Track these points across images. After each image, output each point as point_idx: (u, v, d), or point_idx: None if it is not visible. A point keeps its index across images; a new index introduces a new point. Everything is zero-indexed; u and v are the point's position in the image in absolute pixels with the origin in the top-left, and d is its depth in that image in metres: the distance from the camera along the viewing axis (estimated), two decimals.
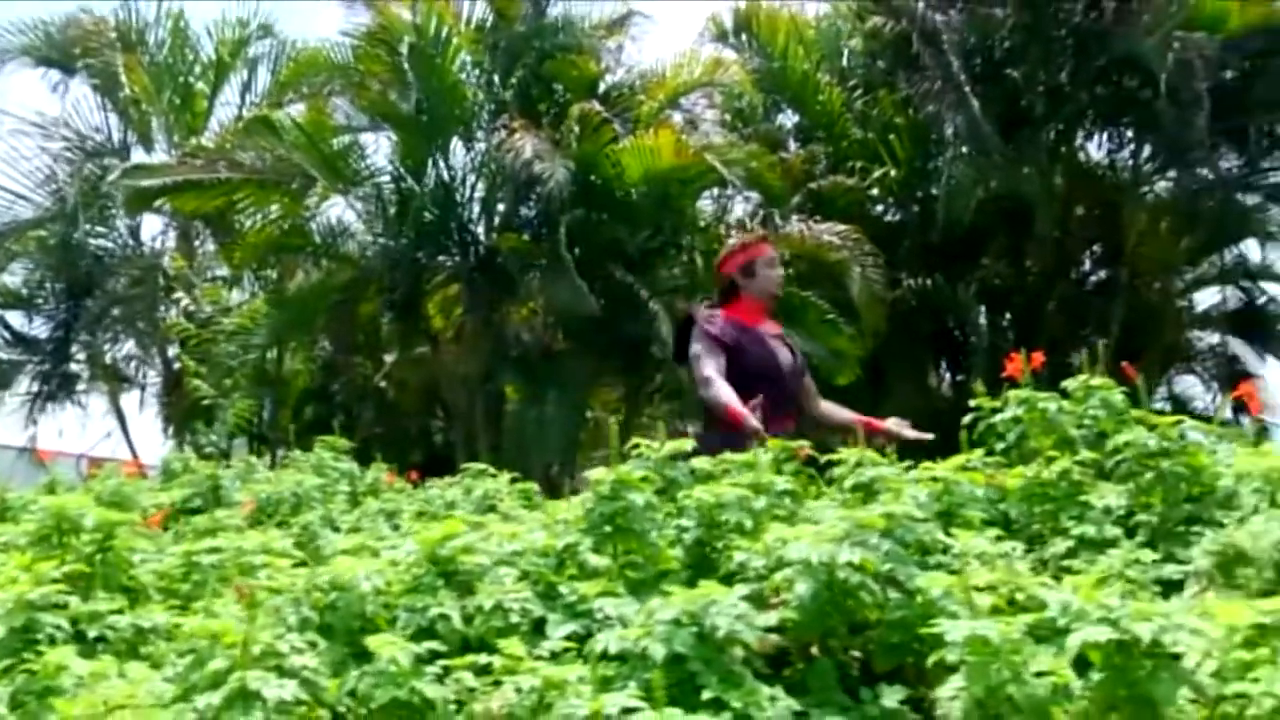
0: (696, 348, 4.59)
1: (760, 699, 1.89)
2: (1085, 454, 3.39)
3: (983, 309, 13.95)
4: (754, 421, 4.05)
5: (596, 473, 2.64)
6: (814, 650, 2.20)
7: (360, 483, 5.99)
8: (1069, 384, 3.86)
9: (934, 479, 3.03)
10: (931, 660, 1.84)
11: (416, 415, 15.38)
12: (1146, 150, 13.64)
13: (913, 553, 2.76)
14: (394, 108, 11.96)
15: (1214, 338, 16.14)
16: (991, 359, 12.50)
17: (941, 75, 11.43)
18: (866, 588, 2.08)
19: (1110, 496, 3.11)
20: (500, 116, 11.79)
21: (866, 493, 2.95)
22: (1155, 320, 14.13)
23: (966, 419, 4.02)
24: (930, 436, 4.68)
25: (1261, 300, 15.54)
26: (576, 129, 10.58)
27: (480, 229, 12.64)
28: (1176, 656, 2.05)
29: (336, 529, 4.78)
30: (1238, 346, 15.82)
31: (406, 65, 11.64)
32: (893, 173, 12.13)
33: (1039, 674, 1.87)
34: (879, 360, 12.00)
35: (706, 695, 1.90)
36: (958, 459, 3.10)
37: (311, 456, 6.27)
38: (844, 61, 13.23)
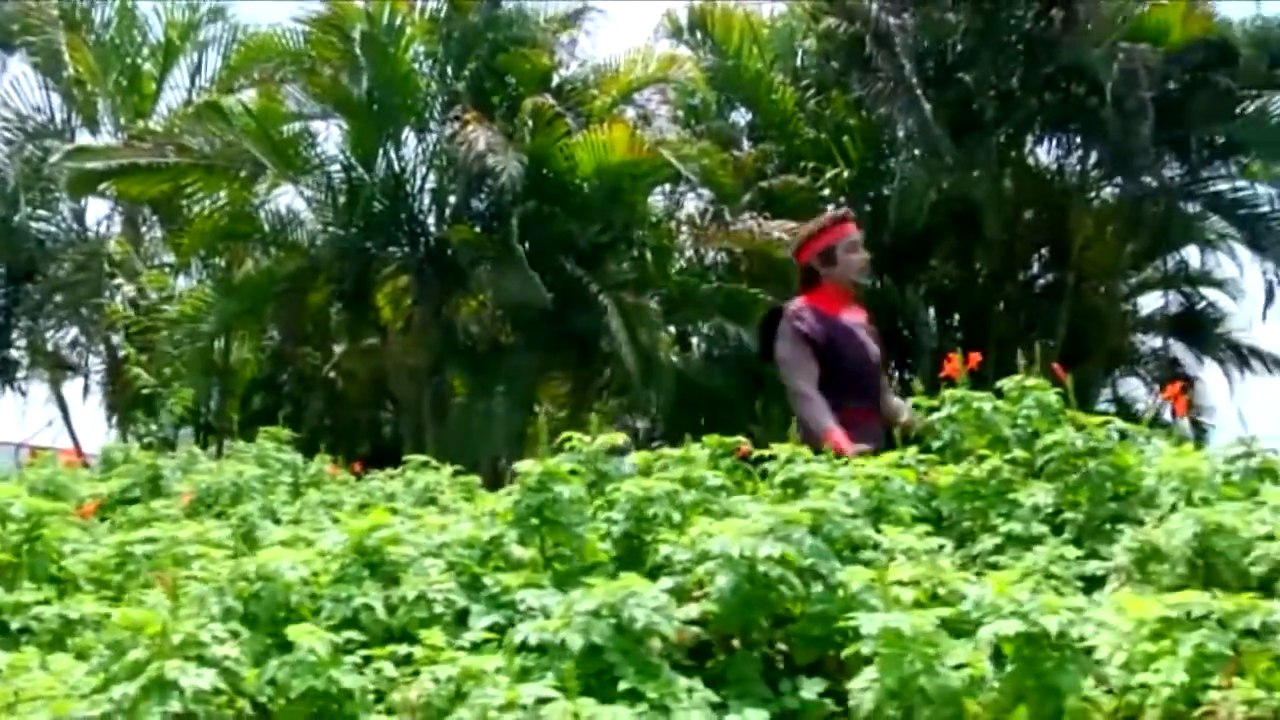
0: (785, 351, 4.23)
1: (677, 690, 1.90)
2: (1017, 453, 3.44)
3: (931, 310, 14.15)
4: (852, 451, 3.73)
5: (524, 465, 2.63)
6: (736, 643, 2.21)
7: (303, 474, 5.94)
8: (1004, 384, 3.92)
9: (867, 476, 3.05)
10: (846, 653, 1.86)
11: (365, 406, 15.28)
12: (1093, 157, 13.88)
13: (841, 548, 2.80)
14: (345, 96, 11.85)
15: (1156, 341, 16.50)
16: (939, 359, 12.60)
17: (894, 77, 11.54)
18: (787, 581, 2.09)
19: (1039, 495, 3.15)
20: (453, 108, 11.73)
21: (797, 488, 2.96)
22: (1100, 323, 14.40)
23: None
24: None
25: (1201, 305, 15.91)
26: (530, 122, 10.56)
27: (431, 220, 12.58)
28: (1089, 650, 2.09)
29: (277, 520, 4.73)
30: (1179, 350, 16.17)
31: (359, 53, 11.55)
32: (845, 173, 12.23)
33: (957, 666, 1.90)
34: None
35: (623, 686, 1.91)
36: (890, 456, 3.13)
37: (253, 447, 6.22)
38: (798, 61, 13.32)
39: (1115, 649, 2.07)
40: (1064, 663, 1.72)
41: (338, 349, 14.56)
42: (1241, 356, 15.87)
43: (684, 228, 11.67)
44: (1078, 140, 13.74)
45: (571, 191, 10.77)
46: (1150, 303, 16.38)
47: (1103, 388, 15.98)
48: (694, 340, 13.58)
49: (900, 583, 2.35)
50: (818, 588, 2.17)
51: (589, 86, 11.95)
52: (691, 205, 13.08)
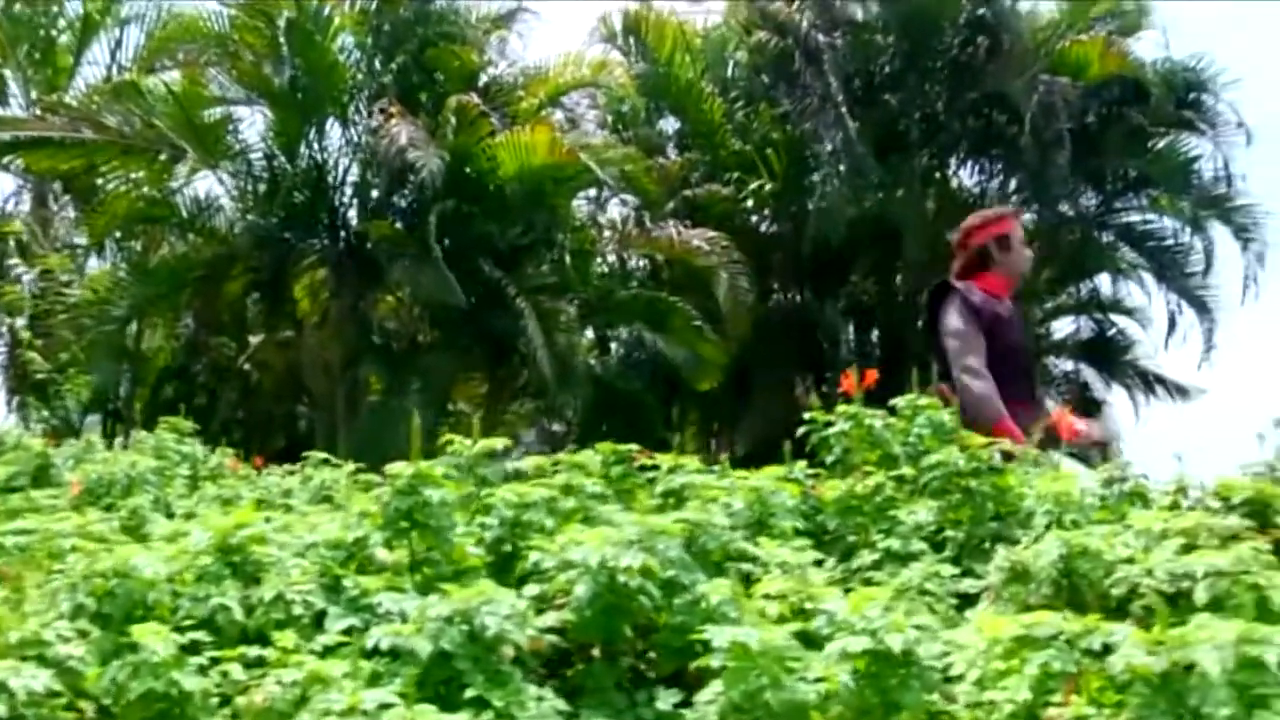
0: (957, 323, 4.03)
1: (524, 699, 1.87)
2: (903, 470, 3.47)
3: (851, 326, 14.33)
4: (1026, 443, 3.50)
5: (395, 467, 2.58)
6: (596, 652, 2.18)
7: (203, 467, 5.78)
8: (897, 402, 3.95)
9: (750, 489, 3.05)
10: (694, 665, 1.85)
11: (280, 400, 14.99)
12: (1013, 183, 14.18)
13: (718, 559, 2.79)
14: (269, 83, 11.62)
15: (1068, 365, 16.92)
16: (858, 375, 12.75)
17: (821, 94, 11.68)
18: (647, 592, 2.07)
19: (920, 513, 3.17)
20: (379, 101, 11.57)
21: (677, 499, 2.95)
22: None
23: (800, 431, 4.10)
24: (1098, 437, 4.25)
25: (1111, 332, 16.36)
26: (453, 120, 10.43)
27: (353, 214, 12.40)
28: (945, 668, 2.10)
29: (170, 515, 4.59)
30: (1089, 374, 16.62)
31: (284, 40, 11.33)
32: (768, 186, 12.32)
33: (817, 679, 1.90)
34: (746, 369, 12.18)
35: (470, 694, 1.87)
36: (775, 469, 3.13)
37: (151, 437, 6.04)
38: (728, 73, 13.41)
39: (970, 666, 2.09)
40: (908, 680, 1.72)
41: (254, 340, 14.26)
42: (1147, 383, 16.38)
43: (606, 233, 11.64)
44: (999, 166, 14.05)
45: (493, 192, 10.68)
46: (1063, 327, 16.82)
47: None
48: (613, 345, 13.58)
49: (768, 596, 2.34)
50: (681, 599, 2.15)
51: (517, 87, 11.89)
52: (616, 211, 13.11)
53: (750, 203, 12.55)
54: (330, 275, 12.29)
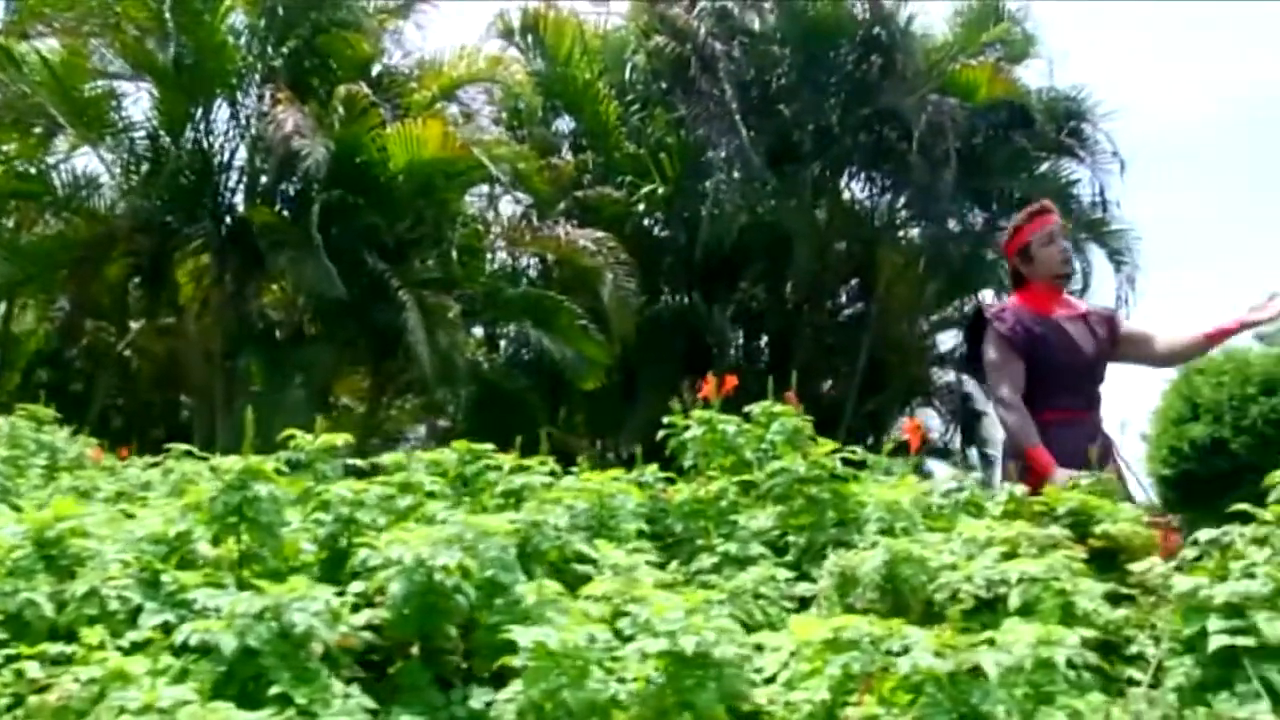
0: (990, 355, 4.11)
1: (329, 696, 1.86)
2: (750, 475, 3.55)
3: (741, 332, 14.51)
4: (1059, 476, 3.57)
5: (227, 461, 2.53)
6: (414, 650, 2.18)
7: (63, 457, 5.57)
8: (752, 409, 4.03)
9: (593, 491, 3.08)
10: (497, 664, 1.86)
11: (161, 388, 14.55)
12: (902, 199, 14.54)
13: (552, 560, 2.82)
14: (152, 59, 11.22)
15: (950, 376, 17.38)
16: (744, 379, 12.99)
17: (715, 101, 11.78)
18: (463, 591, 2.08)
19: (761, 518, 3.24)
20: (269, 84, 11.30)
21: (517, 499, 2.96)
22: (900, 355, 15.09)
23: (660, 435, 4.16)
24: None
25: None
26: (341, 109, 10.24)
27: (240, 199, 12.08)
28: (758, 670, 2.16)
29: (17, 507, 4.42)
30: (970, 386, 17.09)
31: (169, 15, 10.97)
32: (660, 189, 12.38)
33: (633, 680, 1.93)
34: (634, 370, 12.25)
35: (274, 690, 1.86)
36: (616, 472, 3.16)
37: (4, 424, 5.80)
38: (626, 75, 13.45)
39: (781, 668, 2.15)
40: (704, 681, 1.77)
41: (135, 326, 13.80)
42: None
43: (494, 230, 11.57)
44: (889, 181, 14.36)
45: (382, 184, 10.51)
46: (948, 340, 17.28)
47: (900, 416, 16.78)
48: (502, 343, 13.52)
49: (591, 597, 2.37)
50: (501, 599, 2.16)
51: (411, 79, 11.70)
52: (509, 208, 13.05)
53: (642, 206, 12.60)
54: (213, 261, 11.97)
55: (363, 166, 10.40)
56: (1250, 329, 4.20)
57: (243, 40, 11.84)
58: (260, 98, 11.46)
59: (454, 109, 12.12)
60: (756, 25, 12.59)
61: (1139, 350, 4.33)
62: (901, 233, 15.07)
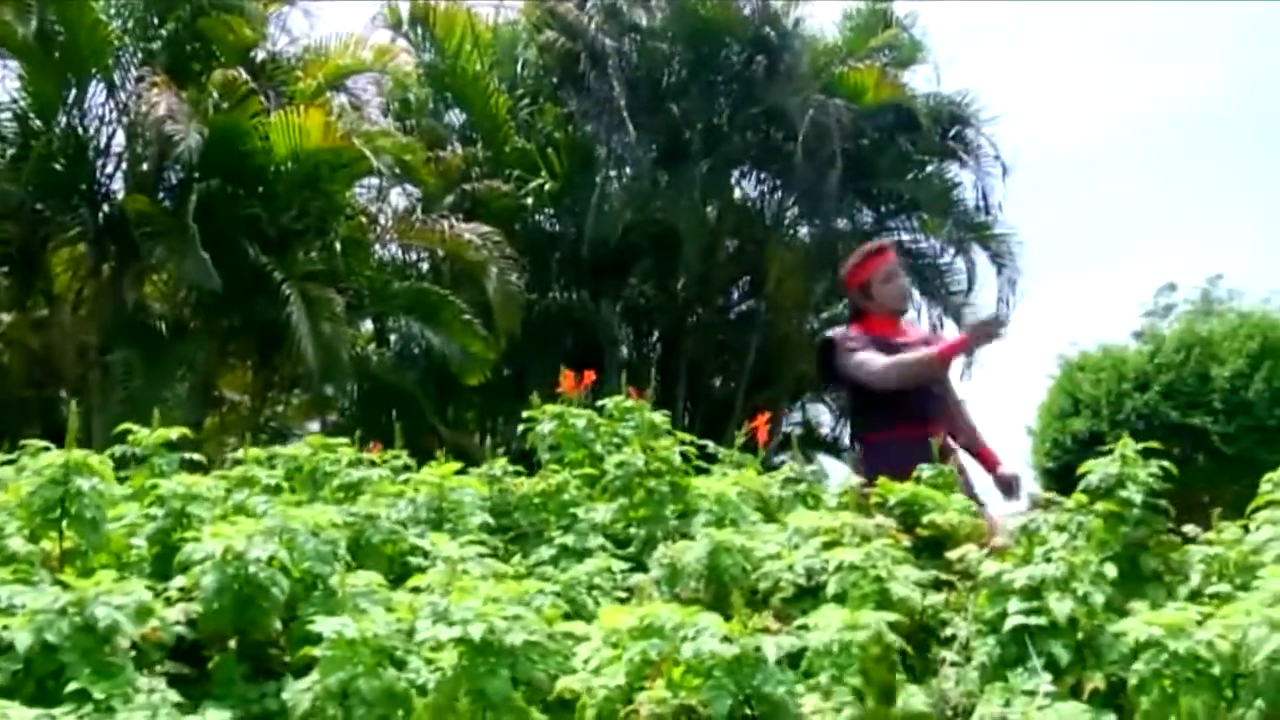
0: (852, 358, 4.29)
1: (129, 691, 1.88)
2: (588, 470, 3.64)
3: (630, 328, 14.62)
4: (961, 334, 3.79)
5: (50, 456, 2.52)
6: (232, 643, 2.21)
7: None
8: (606, 403, 4.12)
9: (432, 484, 3.12)
10: (299, 654, 1.91)
11: (35, 383, 14.04)
12: (791, 199, 14.78)
13: (391, 554, 2.86)
14: (14, 35, 10.73)
15: None
16: (633, 376, 13.14)
17: (604, 97, 11.83)
18: (279, 584, 2.11)
19: (602, 510, 3.33)
20: (147, 67, 10.98)
21: (355, 493, 3.00)
22: (789, 352, 15.35)
23: (520, 429, 4.23)
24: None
25: None
26: (216, 94, 9.98)
27: (118, 186, 11.72)
28: (566, 656, 2.24)
29: None
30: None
31: None
32: (548, 184, 12.40)
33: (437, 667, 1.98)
34: (522, 366, 12.26)
35: (73, 686, 1.87)
36: (449, 467, 3.21)
37: None
38: (517, 69, 13.43)
39: (592, 655, 2.24)
40: (496, 669, 1.83)
41: (6, 317, 13.28)
42: None
43: (379, 223, 11.44)
44: (778, 181, 14.59)
45: (264, 174, 10.31)
46: None
47: (790, 411, 17.10)
48: (391, 338, 13.40)
49: (416, 589, 2.43)
50: (319, 591, 2.20)
51: (296, 67, 11.46)
52: (400, 202, 12.93)
53: (530, 200, 12.60)
54: (90, 251, 11.60)
55: (244, 155, 10.17)
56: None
57: (119, 20, 11.46)
58: (140, 80, 11.11)
59: (343, 99, 11.93)
60: (645, 22, 12.69)
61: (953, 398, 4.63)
62: (792, 231, 15.30)
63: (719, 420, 13.32)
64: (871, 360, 4.25)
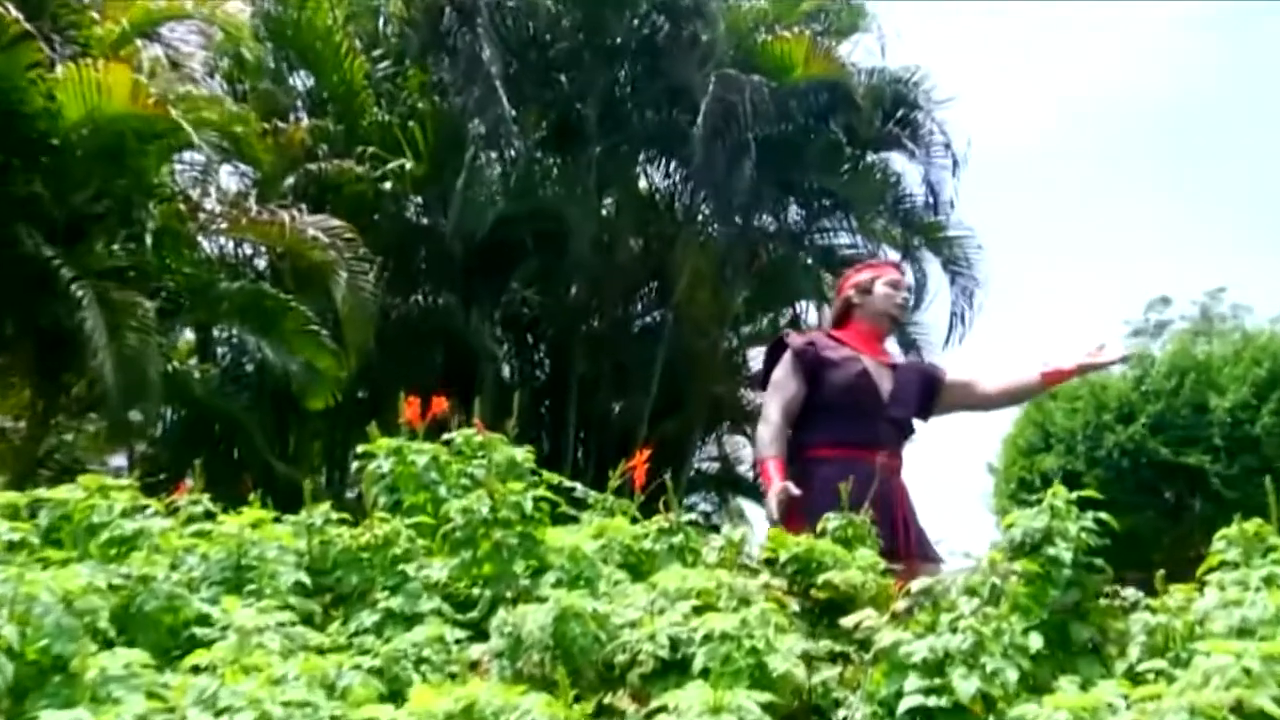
0: (776, 374, 4.75)
1: None
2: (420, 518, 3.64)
3: (512, 342, 14.54)
4: (773, 498, 4.22)
5: None
6: None
7: None
8: (454, 436, 4.12)
9: (230, 536, 3.09)
10: None
11: None
12: (703, 194, 14.71)
13: (170, 623, 2.82)
14: None
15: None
16: (508, 397, 12.86)
17: (473, 61, 11.68)
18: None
19: (435, 567, 3.33)
20: None
21: (130, 548, 2.96)
22: (702, 372, 15.39)
23: (354, 467, 4.21)
24: (1129, 355, 4.64)
25: None
26: None
27: None
28: None
29: None
30: None
31: None
32: (410, 165, 12.24)
33: None
34: (378, 387, 12.12)
35: None
36: (254, 514, 3.19)
37: None
38: (379, 25, 13.27)
39: None
40: None
41: None
42: None
43: (204, 210, 11.17)
44: (687, 170, 14.50)
45: (48, 143, 9.92)
46: (759, 356, 17.75)
47: (703, 442, 17.13)
48: (219, 351, 13.13)
49: (196, 669, 2.40)
50: (60, 675, 2.17)
51: (91, 6, 10.89)
52: (232, 184, 12.68)
53: (389, 184, 12.42)
54: None
55: (18, 117, 9.71)
56: (1086, 374, 4.95)
57: None
58: None
59: (158, 52, 11.62)
60: None
61: (966, 395, 5.01)
62: (707, 231, 15.19)
63: (618, 453, 13.18)
64: (767, 419, 4.69)
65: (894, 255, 16.20)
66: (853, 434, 4.60)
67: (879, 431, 4.65)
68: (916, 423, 4.99)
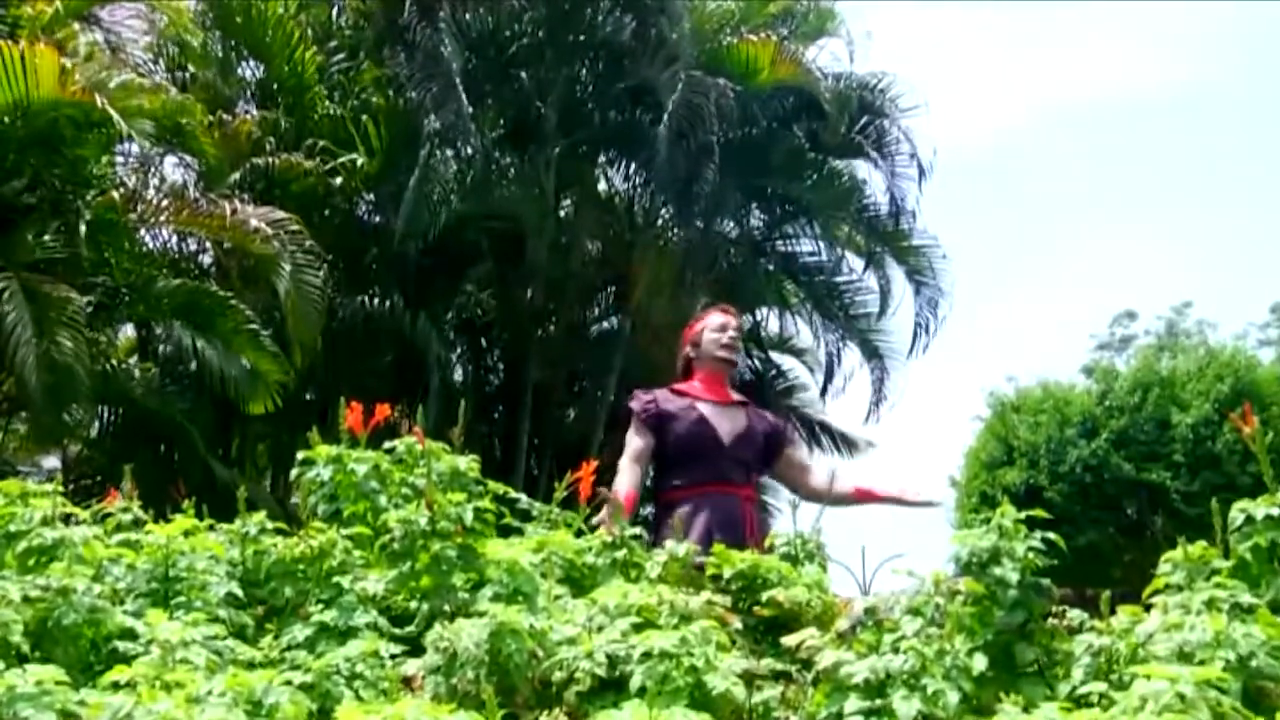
0: (628, 434, 5.24)
1: None
2: (357, 529, 3.65)
3: (466, 346, 14.51)
4: (602, 512, 4.42)
5: None
6: None
7: None
8: (396, 444, 4.14)
9: (156, 547, 3.10)
10: None
11: None
12: (663, 197, 14.76)
13: (90, 636, 2.82)
14: None
15: None
16: (477, 401, 12.91)
17: (431, 55, 11.66)
18: None
19: (371, 580, 3.34)
20: None
21: (51, 558, 2.95)
22: (661, 381, 15.39)
23: (294, 474, 4.21)
24: (939, 501, 5.41)
25: (772, 374, 17.35)
26: None
27: None
28: None
29: None
30: None
31: None
32: (362, 161, 12.22)
33: None
34: (327, 391, 12.05)
35: None
36: (185, 523, 3.19)
37: None
38: (332, 15, 13.22)
39: None
40: None
41: None
42: (812, 432, 17.40)
43: (144, 200, 11.05)
44: (649, 172, 14.51)
45: None
46: None
47: None
48: (161, 349, 13.02)
49: (115, 685, 2.41)
50: None
51: None
52: (176, 175, 12.58)
53: (339, 180, 12.38)
54: None
55: None
56: (895, 505, 5.26)
57: None
58: None
59: (97, 36, 11.51)
60: None
61: (791, 478, 5.46)
62: (668, 235, 15.22)
63: (573, 463, 13.12)
64: (619, 470, 5.13)
65: (858, 263, 16.45)
66: (699, 474, 5.10)
67: (723, 468, 5.15)
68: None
